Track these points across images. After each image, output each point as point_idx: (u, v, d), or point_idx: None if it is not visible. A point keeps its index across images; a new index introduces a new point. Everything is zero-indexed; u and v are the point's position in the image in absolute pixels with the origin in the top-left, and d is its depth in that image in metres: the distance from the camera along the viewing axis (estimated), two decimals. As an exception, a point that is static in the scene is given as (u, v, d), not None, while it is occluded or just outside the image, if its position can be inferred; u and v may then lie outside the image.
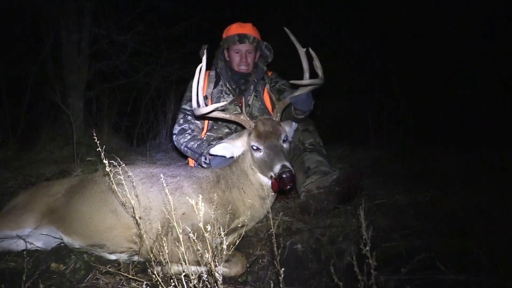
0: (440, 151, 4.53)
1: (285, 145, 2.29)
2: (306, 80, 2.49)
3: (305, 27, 7.21)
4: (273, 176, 2.11)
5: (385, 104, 5.87)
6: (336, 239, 2.24)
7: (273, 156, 2.14)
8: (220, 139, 3.07)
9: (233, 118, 2.40)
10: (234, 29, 3.18)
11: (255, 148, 2.24)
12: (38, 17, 5.58)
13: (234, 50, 3.18)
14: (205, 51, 2.50)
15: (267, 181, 2.24)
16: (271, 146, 2.19)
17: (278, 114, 2.42)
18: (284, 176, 2.04)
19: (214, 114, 2.39)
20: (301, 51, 2.51)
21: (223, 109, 2.72)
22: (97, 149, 1.72)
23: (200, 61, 2.38)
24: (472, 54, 6.52)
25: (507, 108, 5.52)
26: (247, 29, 3.17)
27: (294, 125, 2.57)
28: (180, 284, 1.42)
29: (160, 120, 5.70)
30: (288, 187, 2.08)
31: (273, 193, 2.30)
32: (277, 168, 2.08)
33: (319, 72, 2.49)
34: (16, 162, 4.30)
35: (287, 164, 2.09)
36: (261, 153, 2.22)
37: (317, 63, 2.49)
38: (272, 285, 1.48)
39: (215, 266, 1.41)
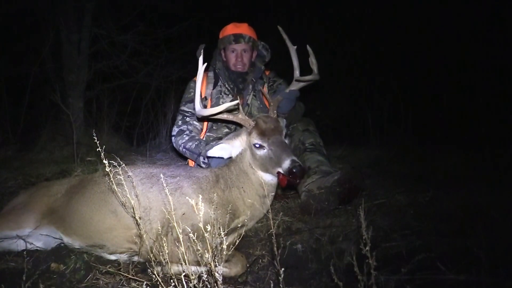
0: (440, 151, 4.53)
1: (287, 141, 2.31)
2: (305, 76, 2.52)
3: (305, 27, 7.21)
4: (282, 172, 2.11)
5: (385, 104, 5.87)
6: (336, 239, 2.24)
7: (280, 152, 2.14)
8: (219, 139, 3.07)
9: (231, 117, 2.38)
10: (230, 29, 3.20)
11: (257, 146, 2.23)
12: (38, 17, 5.59)
13: (230, 50, 3.20)
14: (201, 51, 2.51)
15: (269, 179, 2.24)
16: (276, 142, 2.19)
17: (274, 111, 2.43)
18: (295, 170, 2.05)
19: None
20: (292, 48, 2.56)
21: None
22: (97, 149, 1.72)
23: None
24: (472, 53, 6.52)
25: (507, 108, 5.52)
26: (242, 28, 3.18)
27: (284, 120, 2.61)
28: (180, 284, 1.42)
29: (160, 120, 5.69)
30: (299, 181, 2.09)
31: (273, 193, 2.31)
32: (286, 163, 2.08)
33: (314, 68, 2.53)
34: (16, 162, 4.30)
35: (296, 158, 2.11)
36: (265, 150, 2.21)
37: (313, 60, 2.53)
38: (272, 285, 1.47)
39: (215, 266, 1.41)
